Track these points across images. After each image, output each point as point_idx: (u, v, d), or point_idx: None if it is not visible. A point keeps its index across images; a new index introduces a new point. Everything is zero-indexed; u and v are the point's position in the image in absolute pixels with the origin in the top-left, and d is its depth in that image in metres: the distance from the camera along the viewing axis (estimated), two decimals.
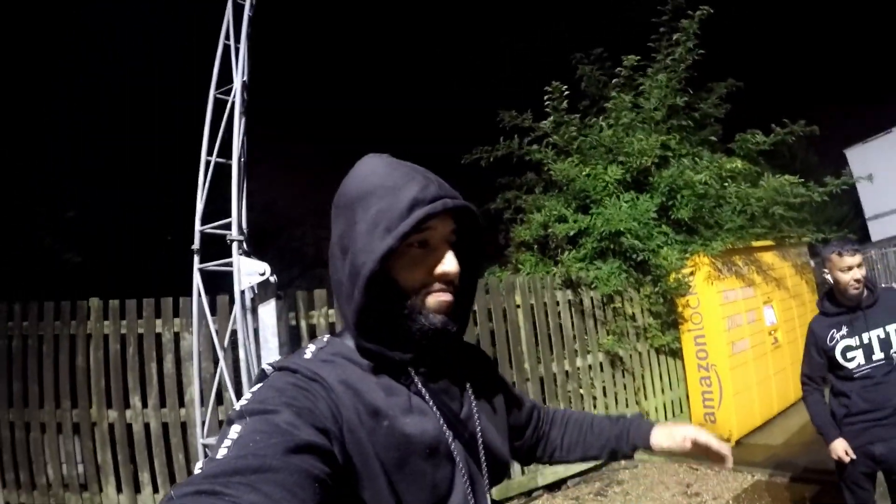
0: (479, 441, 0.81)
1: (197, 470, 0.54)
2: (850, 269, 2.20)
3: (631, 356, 5.04)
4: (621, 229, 4.68)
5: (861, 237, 8.73)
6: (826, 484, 3.48)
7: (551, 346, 4.64)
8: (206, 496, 0.48)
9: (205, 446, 3.22)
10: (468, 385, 0.84)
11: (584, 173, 5.00)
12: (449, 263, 0.74)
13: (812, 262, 5.93)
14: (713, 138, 5.73)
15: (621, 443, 1.07)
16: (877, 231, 9.79)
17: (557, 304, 4.76)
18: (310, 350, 0.76)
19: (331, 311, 3.98)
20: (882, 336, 2.23)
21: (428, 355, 0.76)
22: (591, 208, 5.03)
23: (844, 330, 2.30)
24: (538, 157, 5.47)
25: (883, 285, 2.44)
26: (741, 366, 4.99)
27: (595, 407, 4.78)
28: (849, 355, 2.29)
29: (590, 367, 4.81)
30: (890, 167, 8.19)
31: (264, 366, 0.73)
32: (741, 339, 5.03)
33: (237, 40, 3.60)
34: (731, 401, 4.85)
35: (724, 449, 1.01)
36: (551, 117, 5.44)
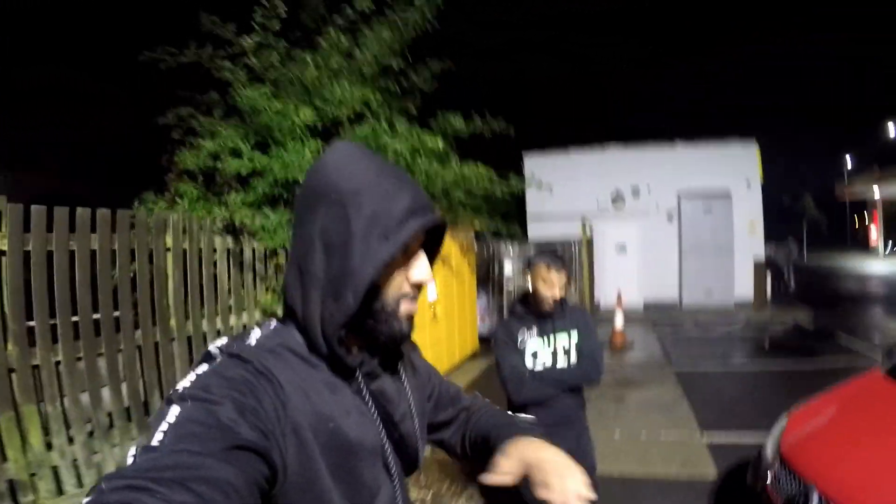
0: (412, 443, 0.84)
1: (130, 457, 0.53)
2: (553, 284, 2.24)
3: None
4: (298, 179, 4.24)
5: (522, 233, 10.58)
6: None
7: (202, 301, 3.92)
8: (137, 491, 0.47)
9: None
10: (407, 386, 0.87)
11: (273, 108, 4.34)
12: (426, 273, 0.77)
13: (476, 246, 6.78)
14: (412, 108, 5.80)
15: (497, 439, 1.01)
16: (534, 230, 12.06)
17: (215, 251, 4.05)
18: (255, 336, 0.74)
19: None
20: (565, 344, 2.33)
21: (381, 357, 0.79)
22: (271, 149, 4.43)
23: (534, 331, 2.33)
24: (228, 76, 4.54)
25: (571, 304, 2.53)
26: None
27: None
28: (537, 358, 2.32)
29: (244, 326, 4.29)
30: (556, 180, 10.08)
31: (210, 347, 0.71)
32: None
33: None
34: None
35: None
36: (256, 37, 4.58)
